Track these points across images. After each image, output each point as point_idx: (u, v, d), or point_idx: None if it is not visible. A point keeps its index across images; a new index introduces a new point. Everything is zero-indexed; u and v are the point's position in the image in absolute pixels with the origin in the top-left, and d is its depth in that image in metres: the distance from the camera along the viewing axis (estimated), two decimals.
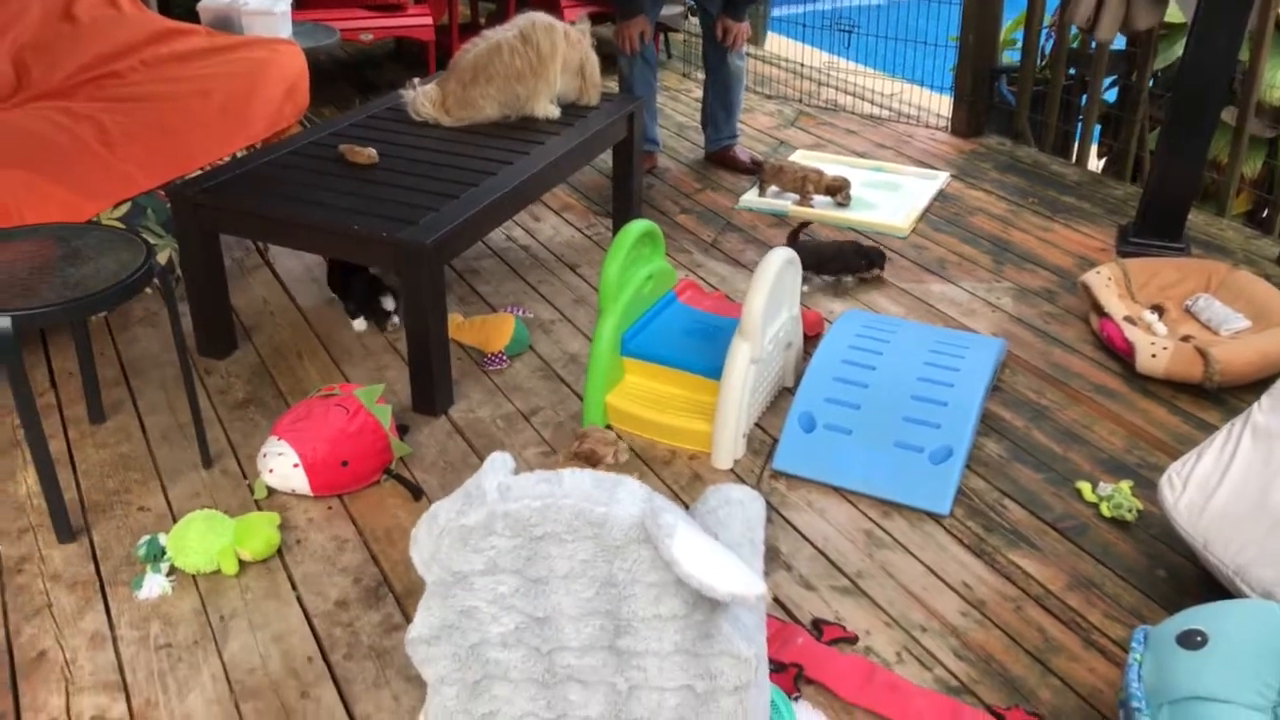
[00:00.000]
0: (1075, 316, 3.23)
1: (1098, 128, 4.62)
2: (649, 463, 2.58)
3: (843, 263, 3.38)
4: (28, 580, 2.18)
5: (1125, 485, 2.45)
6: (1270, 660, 1.70)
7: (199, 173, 3.10)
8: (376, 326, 2.98)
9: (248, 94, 3.59)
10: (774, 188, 4.01)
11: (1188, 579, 2.20)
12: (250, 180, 2.87)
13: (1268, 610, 1.76)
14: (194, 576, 2.18)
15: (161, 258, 3.10)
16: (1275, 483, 2.02)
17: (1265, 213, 4.19)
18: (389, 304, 2.90)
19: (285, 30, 4.21)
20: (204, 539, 2.18)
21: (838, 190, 3.90)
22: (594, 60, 3.47)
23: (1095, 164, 4.71)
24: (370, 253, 2.68)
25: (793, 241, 3.37)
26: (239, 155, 3.37)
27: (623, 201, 3.73)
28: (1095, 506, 2.42)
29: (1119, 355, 2.98)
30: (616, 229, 2.73)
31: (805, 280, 3.15)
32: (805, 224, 3.47)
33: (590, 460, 2.51)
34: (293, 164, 3.00)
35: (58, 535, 2.27)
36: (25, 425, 2.17)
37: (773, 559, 2.26)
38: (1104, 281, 3.16)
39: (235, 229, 2.90)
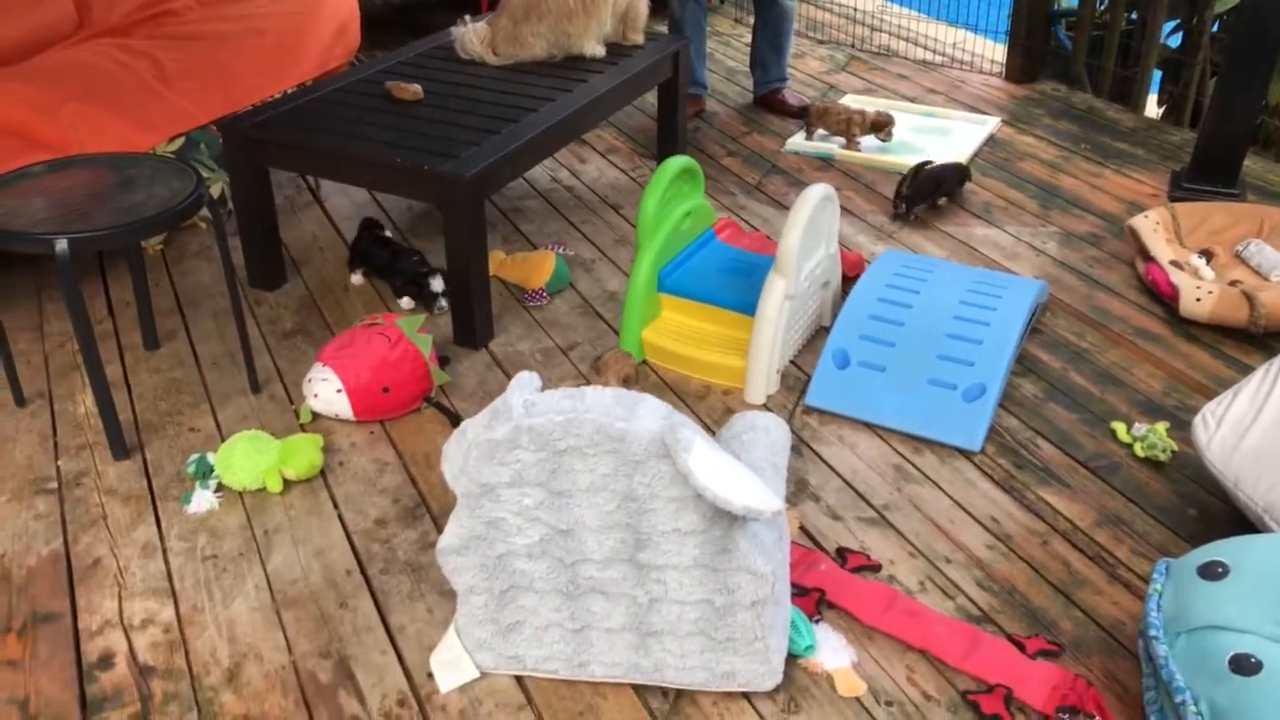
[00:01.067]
0: (1121, 261, 3.19)
1: (1157, 73, 4.51)
2: (683, 397, 2.61)
3: (950, 184, 3.52)
4: (85, 493, 2.28)
5: (1161, 426, 2.43)
6: None
7: (251, 109, 3.16)
8: (424, 308, 2.93)
9: (300, 33, 3.65)
10: (821, 130, 3.99)
11: (1218, 518, 2.19)
12: (299, 115, 2.93)
13: None
14: (240, 493, 2.27)
15: (214, 192, 3.19)
16: None
17: None
18: (438, 285, 2.90)
19: None
20: (250, 458, 2.26)
21: (882, 126, 3.87)
22: (640, 5, 3.46)
23: (1154, 111, 4.60)
24: (412, 186, 2.72)
25: (917, 176, 3.44)
26: (289, 92, 3.43)
27: (667, 143, 3.74)
28: (1129, 447, 2.42)
29: (1163, 300, 2.94)
30: (659, 166, 2.77)
31: (926, 206, 3.43)
32: (926, 162, 3.51)
33: (603, 373, 2.52)
34: (340, 100, 3.05)
35: (113, 452, 2.38)
36: (82, 348, 2.26)
37: (801, 490, 2.29)
38: (1151, 226, 3.11)
39: (283, 162, 2.96)
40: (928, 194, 3.45)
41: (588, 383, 2.65)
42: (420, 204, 3.55)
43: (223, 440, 2.36)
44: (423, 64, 3.35)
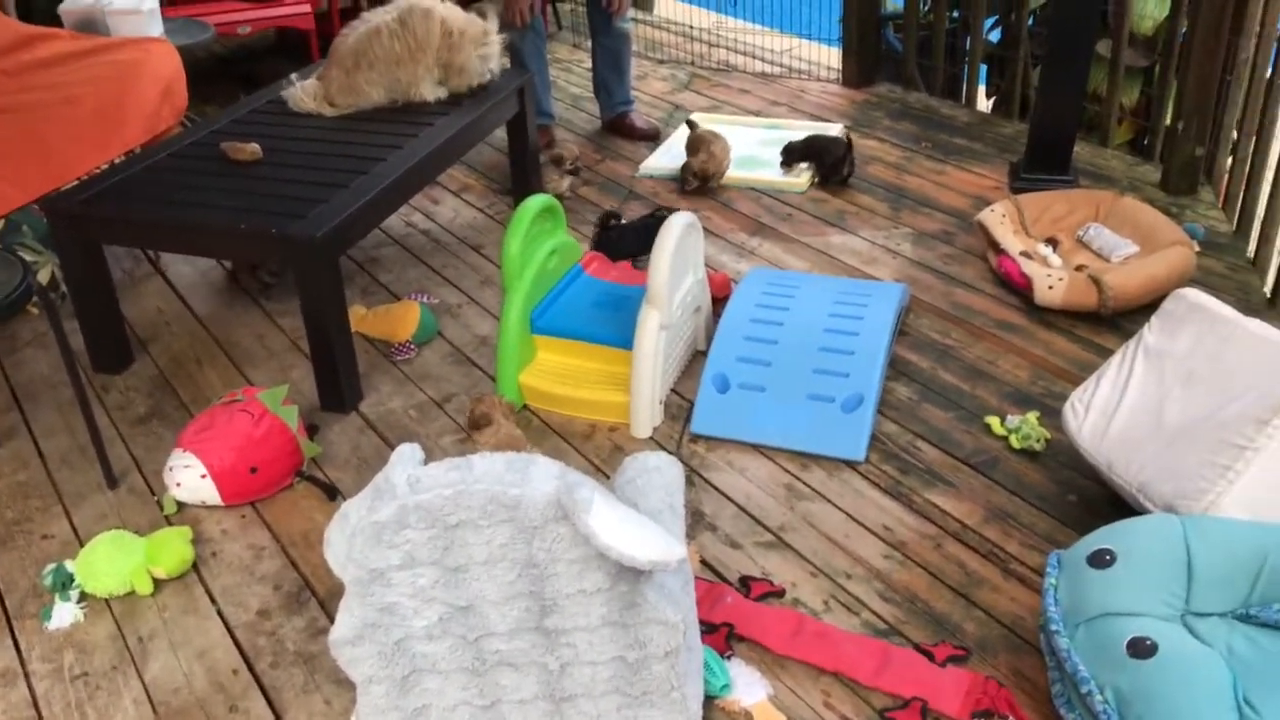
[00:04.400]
0: (974, 256, 3.29)
1: (984, 68, 4.69)
2: (568, 438, 2.57)
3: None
4: None
5: (1032, 416, 2.51)
6: (1174, 571, 1.77)
7: (76, 183, 2.97)
8: None
9: (120, 98, 3.45)
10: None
11: (1097, 501, 2.26)
12: (129, 187, 2.77)
13: (1168, 523, 1.83)
14: (106, 600, 2.11)
15: (44, 275, 2.99)
16: (1168, 401, 2.09)
17: (1145, 140, 4.30)
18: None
19: (155, 29, 4.05)
20: (113, 561, 2.11)
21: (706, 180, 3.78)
22: (465, 58, 3.29)
23: (985, 105, 4.79)
24: (261, 251, 2.61)
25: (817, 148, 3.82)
26: (117, 162, 3.24)
27: (521, 178, 3.69)
28: (1005, 439, 2.48)
29: (1018, 290, 3.05)
30: (518, 206, 2.72)
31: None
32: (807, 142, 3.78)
33: (479, 424, 2.44)
34: (173, 166, 2.90)
35: None
36: None
37: (697, 521, 2.27)
38: (999, 219, 3.22)
39: (117, 238, 2.80)
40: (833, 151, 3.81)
41: (467, 435, 2.58)
42: None
43: (81, 544, 2.20)
44: (257, 120, 3.21)
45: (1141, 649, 1.67)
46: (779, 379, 2.54)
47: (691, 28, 5.64)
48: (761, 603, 2.05)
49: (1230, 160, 3.60)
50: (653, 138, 4.29)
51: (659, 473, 1.90)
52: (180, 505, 2.35)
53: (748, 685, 1.86)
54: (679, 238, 2.51)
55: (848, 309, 2.70)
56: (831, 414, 2.48)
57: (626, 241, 3.28)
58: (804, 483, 2.38)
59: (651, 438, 2.55)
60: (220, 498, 2.32)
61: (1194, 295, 2.21)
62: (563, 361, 2.71)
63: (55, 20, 3.97)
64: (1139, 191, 3.61)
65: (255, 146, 2.91)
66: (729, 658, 1.91)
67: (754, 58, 5.27)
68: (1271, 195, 3.25)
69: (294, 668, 1.95)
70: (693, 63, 5.23)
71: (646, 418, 2.54)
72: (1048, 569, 1.88)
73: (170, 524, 2.30)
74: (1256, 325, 2.08)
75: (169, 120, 3.59)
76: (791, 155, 3.87)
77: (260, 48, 5.68)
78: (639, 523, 1.54)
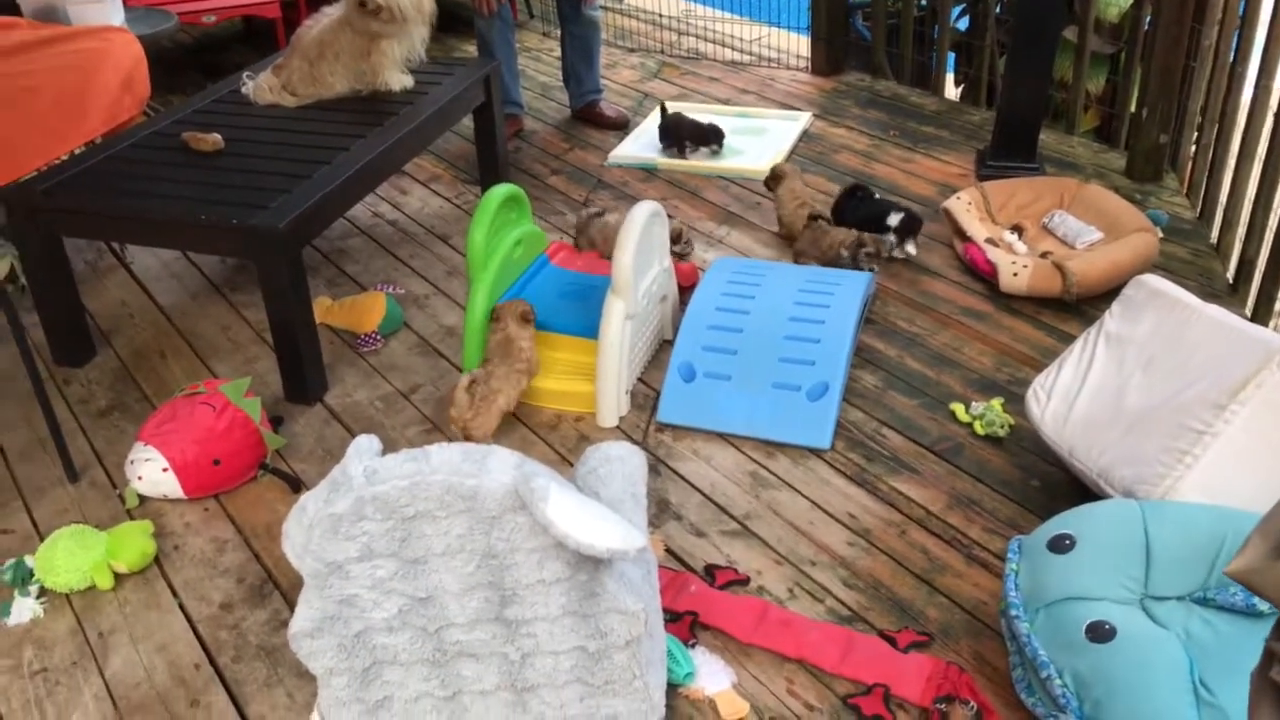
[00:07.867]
0: (940, 243, 3.30)
1: (951, 56, 4.71)
2: (535, 429, 2.56)
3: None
4: None
5: (996, 403, 2.52)
6: (1132, 555, 1.78)
7: (36, 174, 2.93)
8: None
9: (81, 87, 3.40)
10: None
11: (1059, 487, 2.28)
12: (90, 178, 2.74)
13: (1127, 508, 1.85)
14: (67, 595, 2.09)
15: (2, 267, 2.94)
16: (1128, 386, 2.11)
17: (1111, 127, 4.33)
18: (892, 220, 3.14)
19: (117, 17, 4.00)
20: (74, 555, 2.09)
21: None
22: (378, 56, 3.21)
23: (953, 92, 4.80)
24: (222, 242, 2.58)
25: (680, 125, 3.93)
26: (77, 152, 3.20)
27: (489, 167, 3.67)
28: (969, 426, 2.50)
29: (983, 277, 3.06)
30: (483, 195, 2.71)
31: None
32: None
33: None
34: (134, 157, 2.86)
35: None
36: None
37: (663, 510, 2.27)
38: (964, 206, 3.23)
39: (77, 230, 2.77)
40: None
41: (434, 426, 2.57)
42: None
43: (41, 539, 2.18)
44: (220, 110, 3.18)
45: (1100, 633, 1.68)
46: (745, 368, 2.54)
47: (661, 16, 5.62)
48: (726, 591, 2.05)
49: (1194, 147, 3.63)
50: (621, 126, 4.28)
51: (621, 462, 1.90)
52: (142, 499, 2.33)
53: (711, 673, 1.86)
54: (643, 227, 2.50)
55: (814, 297, 2.70)
56: (797, 402, 2.48)
57: (864, 214, 3.24)
58: (769, 471, 2.39)
59: (617, 427, 2.55)
60: (182, 491, 2.30)
61: (1154, 281, 2.22)
62: None
63: (14, 9, 3.92)
64: (1104, 178, 3.64)
65: (217, 136, 2.88)
66: (693, 646, 1.91)
67: (723, 46, 5.26)
68: (1234, 182, 3.28)
69: (256, 661, 1.94)
70: (662, 51, 5.22)
71: (612, 407, 2.54)
72: (1009, 554, 1.89)
73: (132, 518, 2.28)
74: (1214, 310, 2.10)
75: (131, 110, 3.55)
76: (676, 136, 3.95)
77: (227, 36, 5.63)
78: (597, 512, 1.54)
